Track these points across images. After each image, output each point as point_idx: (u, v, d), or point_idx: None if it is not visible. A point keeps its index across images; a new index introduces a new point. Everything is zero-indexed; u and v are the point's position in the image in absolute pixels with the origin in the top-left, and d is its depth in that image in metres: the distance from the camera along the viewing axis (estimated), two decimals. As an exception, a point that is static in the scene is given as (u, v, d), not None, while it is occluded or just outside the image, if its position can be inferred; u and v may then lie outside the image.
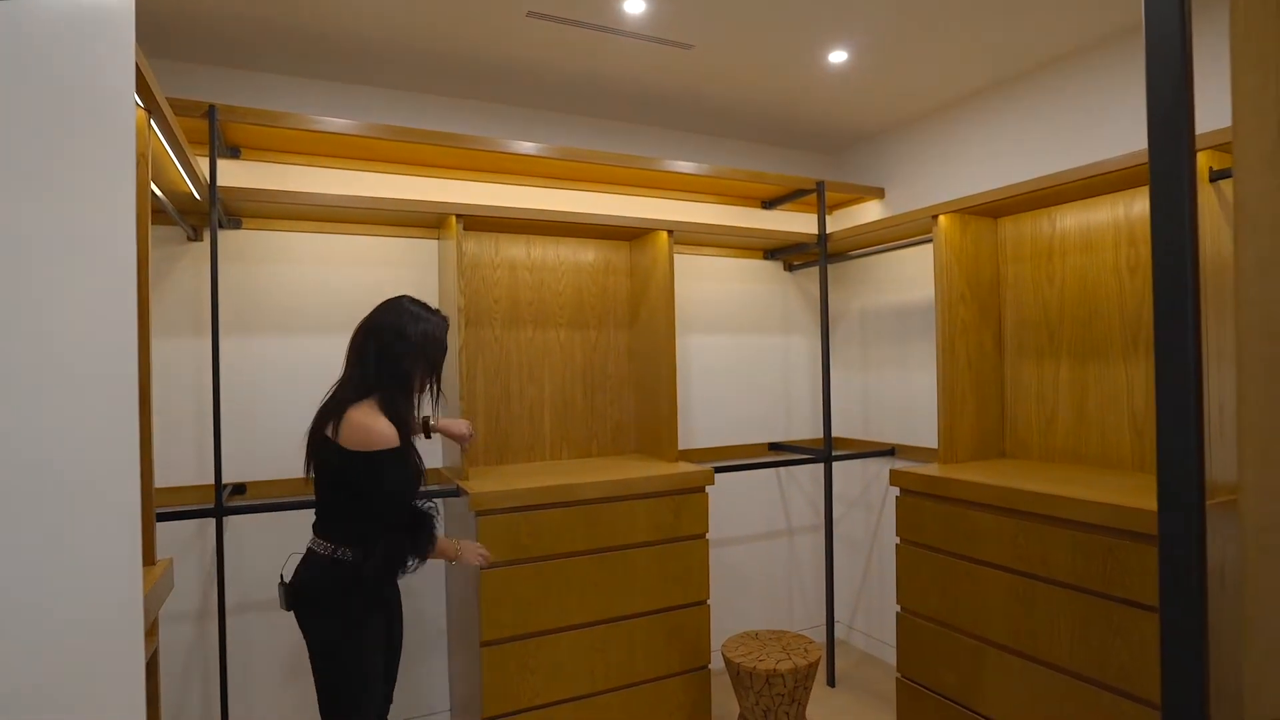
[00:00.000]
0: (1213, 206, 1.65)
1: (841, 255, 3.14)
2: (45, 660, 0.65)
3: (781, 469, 3.24)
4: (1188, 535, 0.69)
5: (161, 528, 2.12)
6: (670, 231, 2.60)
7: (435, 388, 1.80)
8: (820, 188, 2.87)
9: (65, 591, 0.68)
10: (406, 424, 1.67)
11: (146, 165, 1.34)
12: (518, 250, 2.66)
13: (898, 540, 2.29)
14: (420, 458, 1.74)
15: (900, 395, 3.03)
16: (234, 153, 2.27)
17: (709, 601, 2.37)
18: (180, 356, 2.21)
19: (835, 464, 3.21)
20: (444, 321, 1.79)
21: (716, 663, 2.97)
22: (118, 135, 0.76)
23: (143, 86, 1.26)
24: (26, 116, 0.61)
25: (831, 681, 2.87)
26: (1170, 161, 0.70)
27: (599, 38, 2.14)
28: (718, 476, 2.90)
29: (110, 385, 0.73)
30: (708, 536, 2.38)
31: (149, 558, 1.32)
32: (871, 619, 3.18)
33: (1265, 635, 0.62)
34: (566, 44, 2.19)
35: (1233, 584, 0.70)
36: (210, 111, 1.93)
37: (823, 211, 2.90)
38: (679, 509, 2.32)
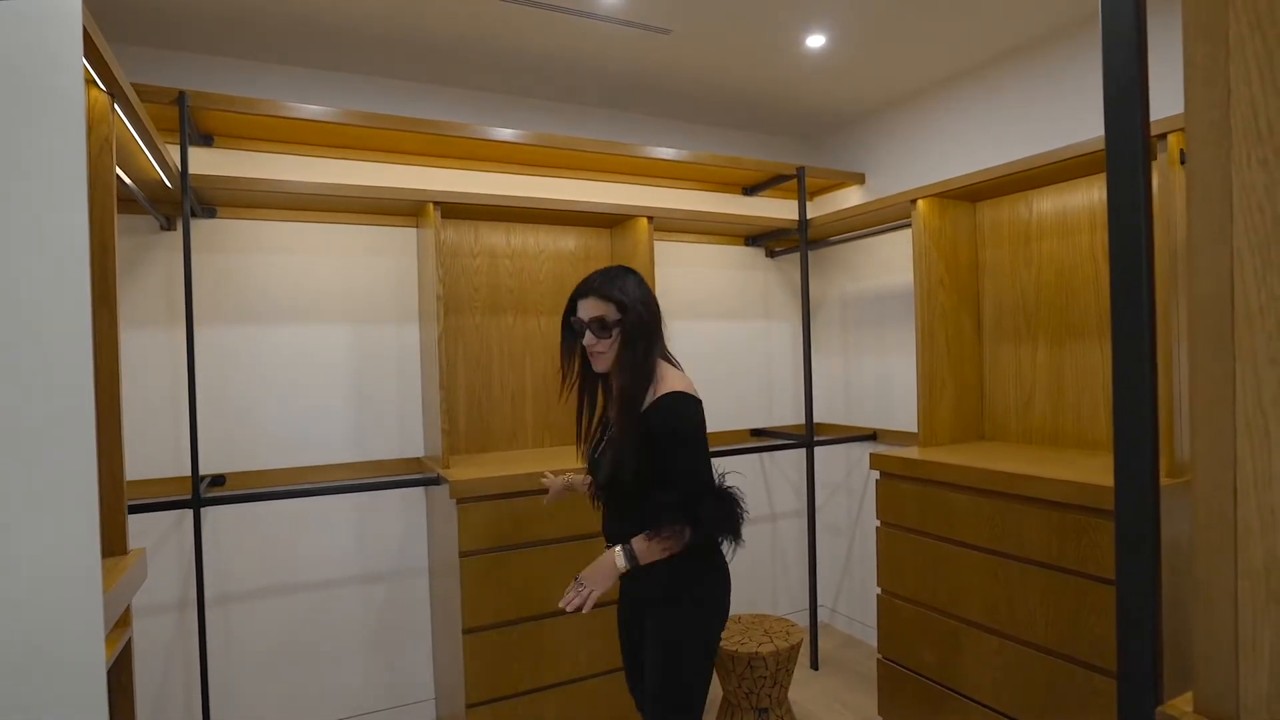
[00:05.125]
0: (1183, 189, 1.66)
1: (822, 241, 3.15)
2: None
3: (765, 455, 3.25)
4: (1141, 512, 0.70)
5: (141, 519, 2.11)
6: (650, 218, 2.59)
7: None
8: (800, 174, 2.87)
9: (15, 579, 0.68)
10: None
11: (110, 152, 1.32)
12: (497, 238, 2.64)
13: (878, 523, 2.30)
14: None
15: (881, 380, 3.04)
16: (207, 140, 2.24)
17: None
18: (156, 347, 2.18)
19: (818, 449, 3.23)
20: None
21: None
22: (67, 121, 0.75)
23: (106, 72, 1.24)
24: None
25: (815, 664, 2.90)
26: (1126, 141, 0.71)
27: (575, 22, 2.12)
28: (701, 463, 2.91)
29: (62, 375, 0.72)
30: (690, 522, 2.39)
31: (120, 548, 1.31)
32: (854, 602, 3.21)
33: (1214, 608, 0.63)
34: (542, 29, 2.17)
35: (1186, 559, 0.71)
36: (180, 98, 1.90)
37: (803, 197, 2.90)
38: (661, 495, 2.33)
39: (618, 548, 1.48)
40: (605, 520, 1.64)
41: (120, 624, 1.26)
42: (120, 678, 1.31)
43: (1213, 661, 0.64)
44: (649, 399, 1.49)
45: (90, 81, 1.26)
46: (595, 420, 1.68)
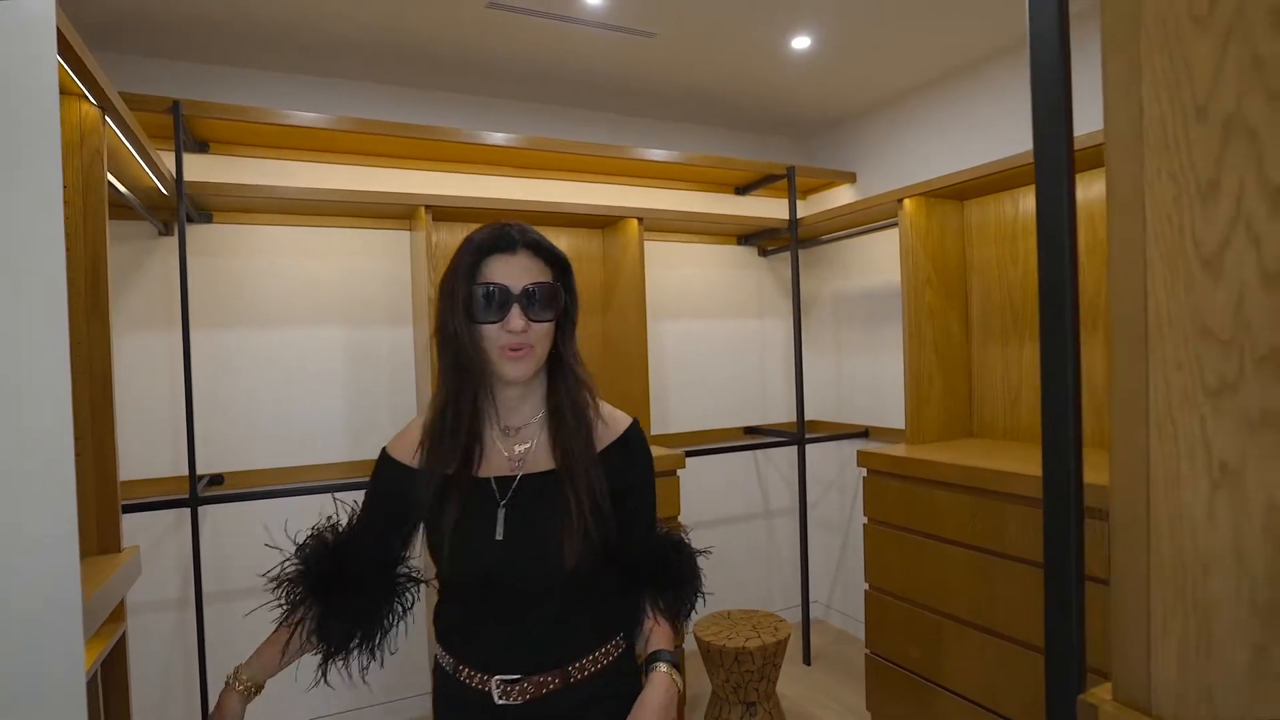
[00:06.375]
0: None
1: (813, 240, 3.17)
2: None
3: (759, 452, 3.28)
4: (1064, 503, 0.73)
5: (141, 518, 2.16)
6: (640, 219, 2.62)
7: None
8: (791, 173, 2.89)
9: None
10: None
11: (102, 164, 1.37)
12: (490, 240, 2.68)
13: (865, 520, 2.33)
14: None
15: (873, 378, 3.06)
16: (203, 147, 2.29)
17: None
18: (156, 350, 2.24)
19: (811, 447, 3.25)
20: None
21: (691, 644, 3.02)
22: (41, 135, 0.79)
23: (95, 86, 1.28)
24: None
25: (808, 660, 2.93)
26: (1052, 156, 0.74)
27: (561, 27, 2.15)
28: (696, 460, 2.94)
29: (40, 380, 0.76)
30: (680, 520, 2.43)
31: (114, 545, 1.35)
32: (848, 598, 3.23)
33: (1128, 604, 0.66)
34: (529, 34, 2.20)
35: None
36: (174, 107, 1.95)
37: (793, 197, 2.92)
38: (650, 493, 2.36)
39: (661, 665, 0.98)
40: (503, 636, 1.00)
41: (113, 619, 1.31)
42: (115, 671, 1.36)
43: (1128, 654, 0.67)
44: (595, 423, 1.05)
45: (80, 96, 1.30)
46: (458, 485, 1.00)
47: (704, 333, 3.17)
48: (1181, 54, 0.61)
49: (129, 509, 1.84)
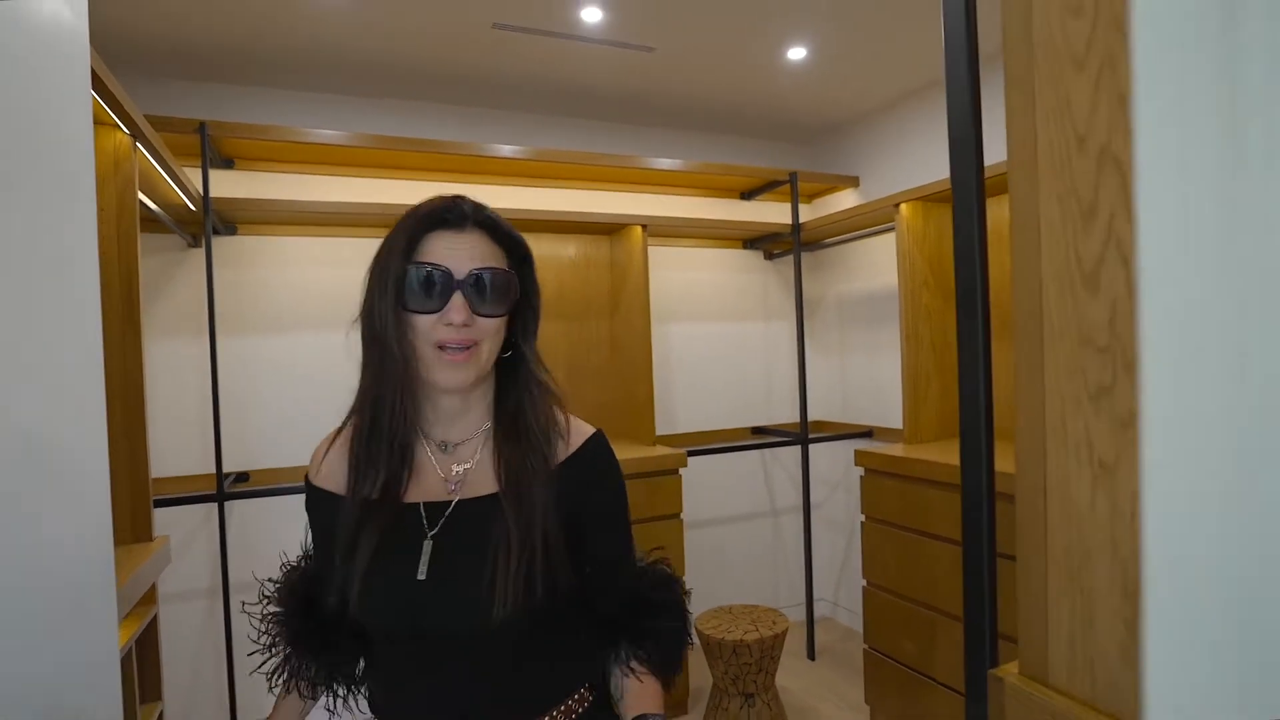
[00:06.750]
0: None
1: (817, 243, 3.22)
2: (17, 612, 0.80)
3: (766, 452, 3.34)
4: (977, 494, 0.80)
5: (173, 512, 2.30)
6: (644, 226, 2.70)
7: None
8: (793, 179, 2.95)
9: (38, 563, 0.83)
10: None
11: (134, 186, 1.49)
12: (500, 247, 2.78)
13: (863, 518, 2.39)
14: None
15: (876, 379, 3.11)
16: (228, 164, 2.43)
17: (684, 579, 2.50)
18: (185, 355, 2.38)
19: (818, 447, 3.30)
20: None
21: (694, 639, 3.10)
22: (76, 161, 0.90)
23: (126, 116, 1.40)
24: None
25: (812, 655, 2.99)
26: (965, 183, 0.81)
27: (563, 45, 2.25)
28: (704, 460, 3.02)
29: (76, 384, 0.87)
30: (683, 517, 2.51)
31: (146, 535, 1.48)
32: (854, 595, 3.28)
33: (1030, 590, 0.73)
34: (533, 52, 2.30)
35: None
36: (201, 128, 2.08)
37: (795, 201, 2.98)
38: (653, 490, 2.45)
39: None
40: (433, 695, 0.83)
41: (145, 602, 1.43)
42: (148, 650, 1.48)
43: (1031, 633, 0.74)
44: (555, 439, 0.88)
45: (114, 125, 1.43)
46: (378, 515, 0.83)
47: (712, 335, 3.24)
48: (1065, 90, 0.68)
49: (161, 503, 1.98)
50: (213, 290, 2.14)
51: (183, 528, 2.35)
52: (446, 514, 0.84)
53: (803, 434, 2.95)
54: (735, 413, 3.28)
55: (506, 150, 2.52)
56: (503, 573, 0.78)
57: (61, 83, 0.90)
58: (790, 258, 3.35)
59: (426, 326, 0.81)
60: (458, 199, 0.85)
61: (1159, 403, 0.63)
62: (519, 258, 0.90)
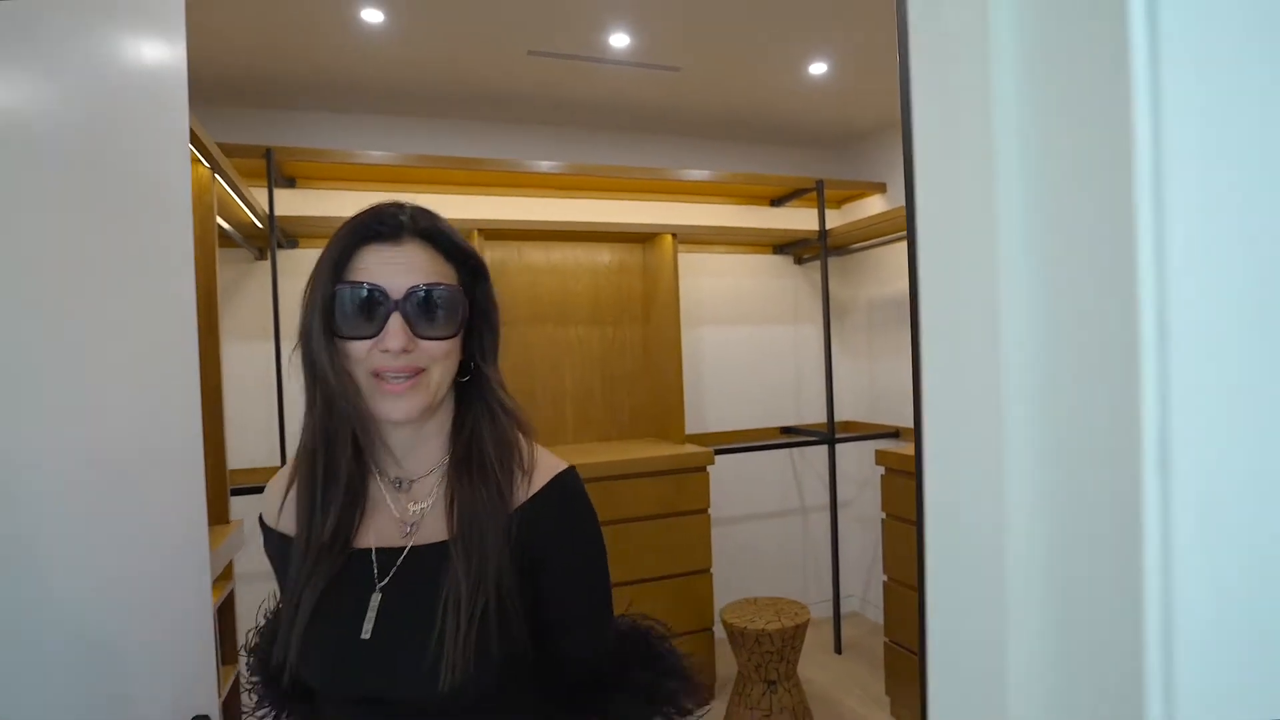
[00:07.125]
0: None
1: (844, 249, 3.30)
2: (132, 578, 0.99)
3: (795, 452, 3.43)
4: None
5: (247, 500, 2.53)
6: (674, 234, 2.83)
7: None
8: (819, 186, 3.04)
9: (149, 538, 1.02)
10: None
11: (213, 212, 1.70)
12: (538, 255, 2.96)
13: (883, 515, 2.47)
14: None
15: (905, 381, 3.17)
16: (290, 183, 2.65)
17: (711, 570, 2.62)
18: (255, 358, 2.62)
19: (847, 446, 3.38)
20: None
21: (720, 631, 3.21)
22: (175, 197, 1.08)
23: (207, 152, 1.61)
24: (100, 186, 0.94)
25: (839, 649, 3.07)
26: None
27: (594, 68, 2.40)
28: (735, 459, 3.13)
29: (177, 385, 1.05)
30: (710, 513, 2.63)
31: (223, 517, 1.68)
32: (881, 591, 3.34)
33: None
34: (567, 75, 2.46)
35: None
36: (267, 154, 2.30)
37: (822, 208, 3.06)
38: (680, 486, 2.58)
39: None
40: None
41: (224, 577, 1.63)
42: (226, 618, 1.68)
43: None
44: (516, 478, 0.76)
45: (197, 161, 1.64)
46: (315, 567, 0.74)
47: (743, 338, 3.35)
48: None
49: (237, 491, 2.20)
50: (277, 299, 2.36)
51: (253, 515, 2.58)
52: (398, 563, 0.74)
53: (830, 434, 3.04)
54: (765, 414, 3.38)
55: (544, 165, 2.69)
56: (451, 636, 0.67)
57: (164, 125, 1.07)
58: (819, 262, 3.43)
59: (362, 353, 0.70)
60: (394, 205, 0.73)
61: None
62: (470, 271, 0.77)
